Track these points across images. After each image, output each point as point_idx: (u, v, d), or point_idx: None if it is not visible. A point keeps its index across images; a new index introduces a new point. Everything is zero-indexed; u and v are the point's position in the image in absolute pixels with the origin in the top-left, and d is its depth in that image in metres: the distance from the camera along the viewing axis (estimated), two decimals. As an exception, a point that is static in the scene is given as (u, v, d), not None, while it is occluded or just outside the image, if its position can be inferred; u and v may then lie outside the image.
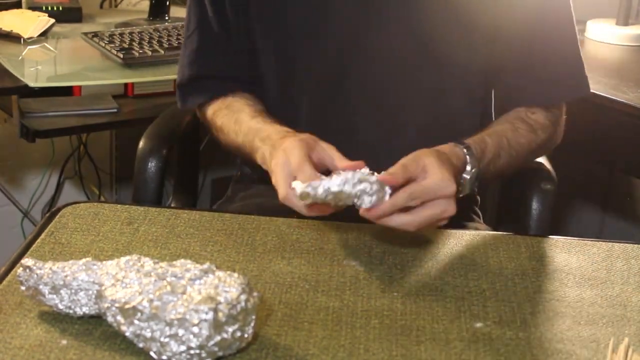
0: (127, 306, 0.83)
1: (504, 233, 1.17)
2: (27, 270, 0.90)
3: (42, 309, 0.91)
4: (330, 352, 0.87)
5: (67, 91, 1.96)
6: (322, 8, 1.26)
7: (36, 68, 1.82)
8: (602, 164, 2.14)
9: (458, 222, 1.34)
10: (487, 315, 0.96)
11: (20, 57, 1.85)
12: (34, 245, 1.05)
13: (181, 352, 0.81)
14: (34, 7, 2.07)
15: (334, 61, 1.27)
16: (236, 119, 1.26)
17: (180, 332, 0.81)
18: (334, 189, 0.96)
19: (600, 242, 1.15)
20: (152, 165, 1.38)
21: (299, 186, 0.97)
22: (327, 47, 1.27)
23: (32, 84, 1.71)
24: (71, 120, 1.88)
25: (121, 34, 1.92)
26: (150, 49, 1.86)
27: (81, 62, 1.88)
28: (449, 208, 1.02)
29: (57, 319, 0.90)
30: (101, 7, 2.37)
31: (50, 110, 1.88)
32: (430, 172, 1.02)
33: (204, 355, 0.82)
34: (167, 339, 0.81)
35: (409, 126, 1.29)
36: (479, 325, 0.94)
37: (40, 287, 0.89)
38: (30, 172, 2.49)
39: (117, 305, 0.84)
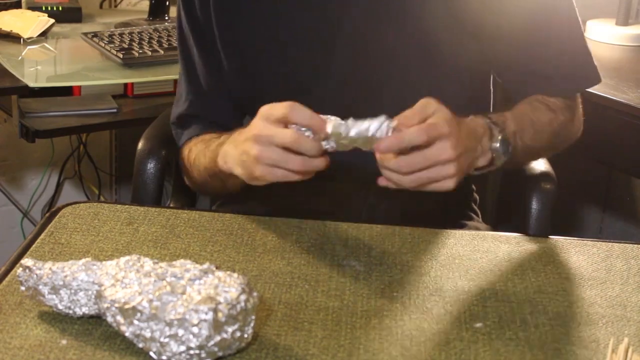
0: (126, 306, 0.83)
1: (504, 233, 1.17)
2: (27, 271, 0.90)
3: (42, 309, 0.91)
4: (330, 352, 0.87)
5: (67, 91, 1.96)
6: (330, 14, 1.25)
7: (36, 68, 1.82)
8: (602, 164, 2.14)
9: (456, 221, 1.35)
10: (487, 315, 0.96)
11: (20, 57, 1.85)
12: (33, 245, 1.05)
13: (181, 352, 0.81)
14: (33, 7, 2.07)
15: (338, 64, 1.27)
16: (207, 144, 1.22)
17: (180, 332, 0.81)
18: (369, 132, 0.99)
19: (600, 242, 1.15)
20: (151, 166, 1.38)
21: (331, 122, 0.99)
22: (336, 52, 1.26)
23: (32, 84, 1.71)
24: (71, 120, 1.88)
25: (121, 34, 1.92)
26: (150, 49, 1.86)
27: (81, 62, 1.88)
28: (446, 151, 0.99)
29: (57, 319, 0.90)
30: (101, 7, 2.38)
31: (50, 110, 1.88)
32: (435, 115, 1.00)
33: (203, 355, 0.82)
34: (166, 339, 0.81)
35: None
36: (479, 325, 0.94)
37: (40, 287, 0.89)
38: (30, 172, 2.49)
39: (116, 305, 0.84)
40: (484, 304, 0.98)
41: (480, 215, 1.42)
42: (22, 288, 0.91)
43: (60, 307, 0.89)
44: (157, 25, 2.01)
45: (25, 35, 1.91)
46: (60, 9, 2.10)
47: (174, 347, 0.81)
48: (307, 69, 1.27)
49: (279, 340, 0.89)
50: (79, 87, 1.96)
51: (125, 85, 1.99)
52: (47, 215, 1.13)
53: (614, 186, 2.48)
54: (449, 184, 1.02)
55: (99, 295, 0.87)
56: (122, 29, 1.98)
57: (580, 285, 1.04)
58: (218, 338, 0.82)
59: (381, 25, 1.24)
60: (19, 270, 0.91)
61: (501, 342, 0.91)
